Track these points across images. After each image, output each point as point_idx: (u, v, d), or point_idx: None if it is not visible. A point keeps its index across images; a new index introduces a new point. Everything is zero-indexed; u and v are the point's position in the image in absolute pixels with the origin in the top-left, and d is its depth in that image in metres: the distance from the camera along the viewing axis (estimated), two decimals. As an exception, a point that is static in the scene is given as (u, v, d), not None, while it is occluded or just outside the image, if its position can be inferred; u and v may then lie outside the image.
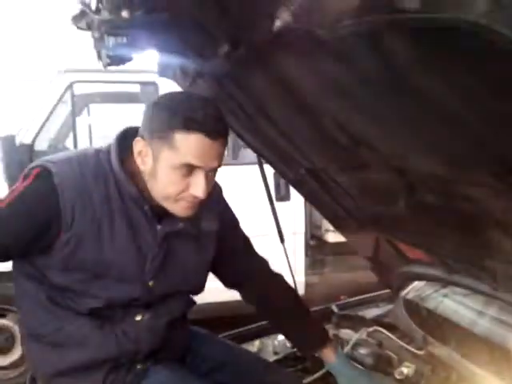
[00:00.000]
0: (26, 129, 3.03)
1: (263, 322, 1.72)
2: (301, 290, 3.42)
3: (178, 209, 1.16)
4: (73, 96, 3.10)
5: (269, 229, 3.30)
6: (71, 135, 3.88)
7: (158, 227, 1.21)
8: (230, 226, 1.43)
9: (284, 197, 3.34)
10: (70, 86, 3.06)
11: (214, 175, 1.19)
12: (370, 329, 1.66)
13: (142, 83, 3.27)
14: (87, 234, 1.14)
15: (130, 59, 1.27)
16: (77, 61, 3.31)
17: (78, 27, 0.95)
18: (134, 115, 4.81)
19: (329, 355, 1.45)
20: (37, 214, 1.13)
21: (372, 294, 1.93)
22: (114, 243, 1.16)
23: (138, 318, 1.23)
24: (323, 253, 3.70)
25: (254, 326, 1.75)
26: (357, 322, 1.73)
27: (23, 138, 2.97)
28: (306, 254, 3.57)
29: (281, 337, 1.71)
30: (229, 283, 1.51)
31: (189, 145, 1.08)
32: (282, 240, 1.91)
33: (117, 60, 1.23)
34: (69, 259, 1.14)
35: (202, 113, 1.09)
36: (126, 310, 1.22)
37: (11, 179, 2.81)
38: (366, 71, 0.70)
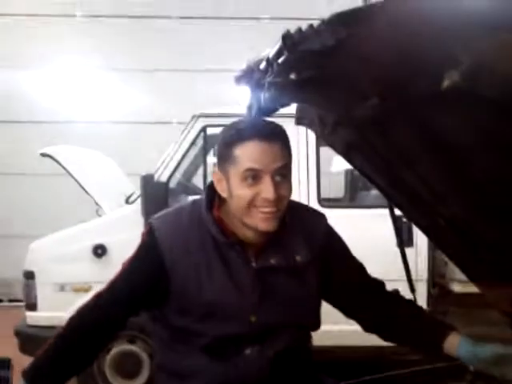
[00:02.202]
0: (163, 167, 3.29)
1: (392, 373, 1.67)
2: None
3: (257, 221, 1.23)
4: (205, 138, 3.32)
5: (388, 275, 3.25)
6: (197, 173, 4.17)
7: (253, 264, 1.28)
8: (340, 255, 1.42)
9: (406, 243, 3.25)
10: (203, 129, 3.29)
11: (286, 181, 1.25)
12: (511, 391, 1.54)
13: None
14: (188, 277, 1.26)
15: (276, 110, 1.37)
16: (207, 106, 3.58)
17: (239, 84, 1.05)
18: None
19: (453, 342, 1.35)
20: (148, 268, 1.30)
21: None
22: (213, 284, 1.26)
23: (248, 351, 1.28)
24: (447, 303, 3.51)
25: (382, 375, 1.71)
26: (495, 383, 1.61)
27: (160, 176, 3.24)
28: (428, 304, 3.41)
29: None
30: (350, 314, 1.48)
31: (246, 152, 1.20)
32: (413, 290, 1.85)
33: (267, 111, 1.33)
34: (179, 303, 1.28)
35: (252, 122, 1.26)
36: (236, 344, 1.29)
37: (148, 214, 3.06)
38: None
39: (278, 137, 1.25)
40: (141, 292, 1.32)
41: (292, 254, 1.32)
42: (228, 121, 3.67)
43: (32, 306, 3.26)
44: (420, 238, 3.27)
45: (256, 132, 1.22)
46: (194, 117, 3.38)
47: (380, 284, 1.49)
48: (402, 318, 1.45)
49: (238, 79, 1.02)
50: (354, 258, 1.46)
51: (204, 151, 3.44)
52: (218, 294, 1.26)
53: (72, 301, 3.38)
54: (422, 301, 3.32)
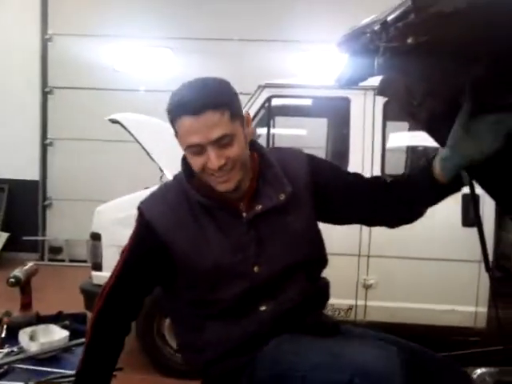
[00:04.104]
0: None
1: (462, 352, 1.65)
2: (482, 323, 3.20)
3: (216, 184, 1.27)
4: (270, 109, 3.31)
5: (450, 255, 3.18)
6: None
7: (244, 216, 1.31)
8: (330, 174, 1.43)
9: (472, 222, 3.15)
10: (268, 100, 3.27)
11: (233, 144, 1.23)
12: None
13: (335, 98, 3.37)
14: (187, 249, 1.29)
15: (365, 80, 1.33)
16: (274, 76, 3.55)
17: (340, 51, 1.03)
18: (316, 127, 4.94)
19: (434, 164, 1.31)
20: (148, 251, 1.33)
21: None
22: (211, 248, 1.29)
23: (263, 307, 1.30)
24: (510, 286, 3.40)
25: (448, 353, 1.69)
26: None
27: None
28: (490, 286, 3.32)
29: (481, 370, 1.63)
30: (370, 221, 1.53)
31: (182, 129, 1.22)
32: (488, 269, 1.80)
33: (356, 81, 1.30)
34: (187, 277, 1.32)
35: (184, 96, 1.21)
36: (252, 302, 1.30)
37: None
38: None
39: (207, 107, 1.20)
40: (149, 275, 1.37)
41: (276, 193, 1.33)
42: (293, 91, 3.63)
43: (98, 266, 3.39)
44: (486, 218, 3.16)
45: (184, 108, 1.20)
46: (259, 87, 3.36)
47: (377, 179, 1.52)
48: (407, 192, 1.40)
49: (341, 44, 0.99)
50: (343, 171, 1.49)
51: (268, 121, 3.43)
52: (218, 256, 1.29)
53: (135, 263, 3.51)
54: (484, 283, 3.25)
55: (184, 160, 1.36)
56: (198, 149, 1.23)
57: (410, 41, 0.79)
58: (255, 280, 1.30)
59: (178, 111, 1.22)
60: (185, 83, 1.28)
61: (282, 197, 1.33)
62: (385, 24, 0.80)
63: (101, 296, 1.39)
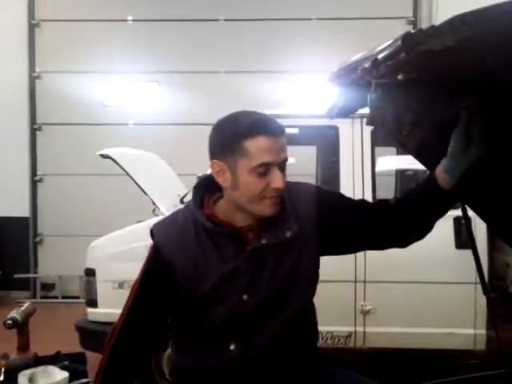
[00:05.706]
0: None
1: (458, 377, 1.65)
2: (481, 344, 3.19)
3: (264, 208, 1.31)
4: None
5: (443, 278, 3.18)
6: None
7: (247, 247, 1.34)
8: (338, 208, 1.44)
9: (465, 244, 3.18)
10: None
11: (285, 169, 1.32)
12: None
13: (324, 127, 3.41)
14: (187, 271, 1.33)
15: (356, 111, 1.37)
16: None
17: (330, 84, 1.06)
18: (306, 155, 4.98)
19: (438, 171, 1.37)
20: (157, 270, 1.37)
21: None
22: (209, 273, 1.33)
23: (232, 347, 1.34)
24: (508, 306, 3.42)
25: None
26: None
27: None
28: (487, 307, 3.32)
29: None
30: (381, 245, 1.52)
31: (258, 147, 1.25)
32: (486, 292, 1.82)
33: (346, 112, 1.33)
34: (183, 298, 1.36)
35: (260, 118, 1.30)
36: (232, 326, 1.34)
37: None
38: None
39: (282, 131, 1.31)
40: (163, 301, 1.39)
41: (282, 230, 1.36)
42: (284, 122, 3.67)
43: (92, 303, 3.35)
44: (479, 240, 3.19)
45: (267, 127, 1.27)
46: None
47: (383, 202, 1.51)
48: (414, 208, 1.44)
49: (332, 79, 1.03)
50: (350, 200, 1.51)
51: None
52: (214, 281, 1.32)
53: (131, 298, 3.48)
54: (481, 304, 3.25)
55: (196, 189, 1.43)
56: (264, 169, 1.27)
57: (400, 77, 0.82)
58: (242, 309, 1.33)
59: (257, 130, 1.27)
60: (238, 112, 1.35)
61: (288, 234, 1.36)
62: (375, 62, 0.83)
63: (112, 334, 1.40)
